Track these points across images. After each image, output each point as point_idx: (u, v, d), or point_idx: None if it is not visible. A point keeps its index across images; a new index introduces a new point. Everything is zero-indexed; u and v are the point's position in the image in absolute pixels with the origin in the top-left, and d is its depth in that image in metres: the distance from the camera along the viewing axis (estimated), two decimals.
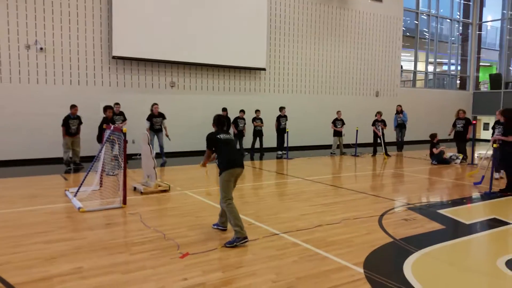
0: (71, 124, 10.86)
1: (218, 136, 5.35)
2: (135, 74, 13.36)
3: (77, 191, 7.36)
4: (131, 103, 12.82)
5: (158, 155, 12.08)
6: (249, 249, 4.87)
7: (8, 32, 11.45)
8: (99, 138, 10.27)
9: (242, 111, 14.11)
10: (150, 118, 12.03)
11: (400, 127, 16.32)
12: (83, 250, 4.80)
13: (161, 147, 12.19)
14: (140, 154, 12.69)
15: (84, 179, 7.48)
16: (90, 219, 6.17)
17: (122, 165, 6.87)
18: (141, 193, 7.67)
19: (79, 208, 6.60)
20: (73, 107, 10.94)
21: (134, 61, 13.24)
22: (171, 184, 8.56)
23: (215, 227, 5.67)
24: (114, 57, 12.73)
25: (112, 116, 10.98)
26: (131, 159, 12.04)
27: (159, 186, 7.95)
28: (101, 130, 9.47)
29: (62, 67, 12.22)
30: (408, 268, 4.39)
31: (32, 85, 11.84)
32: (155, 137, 12.07)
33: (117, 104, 11.89)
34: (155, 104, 12.08)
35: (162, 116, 12.15)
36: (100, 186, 7.84)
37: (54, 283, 3.91)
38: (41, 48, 11.81)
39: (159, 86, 13.80)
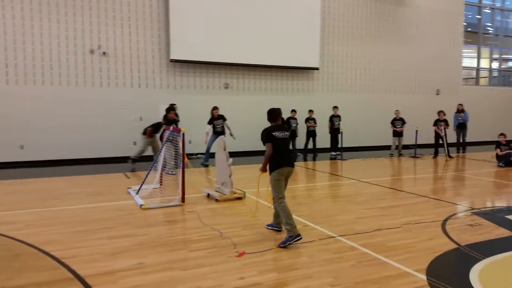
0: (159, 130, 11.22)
1: (274, 133, 5.29)
2: (191, 76, 13.74)
3: (139, 189, 7.66)
4: (187, 104, 13.18)
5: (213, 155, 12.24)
6: (304, 251, 4.83)
7: (74, 38, 12.18)
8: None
9: (294, 111, 14.04)
10: (211, 121, 12.09)
11: (461, 127, 15.53)
12: (144, 246, 4.98)
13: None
14: (197, 154, 13.06)
15: (145, 178, 7.77)
16: (151, 216, 6.40)
17: (181, 165, 7.07)
18: (216, 200, 7.41)
19: (141, 205, 6.87)
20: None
21: (191, 64, 13.62)
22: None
23: (270, 227, 5.67)
24: (171, 60, 13.16)
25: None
26: (188, 158, 12.34)
27: (234, 193, 7.62)
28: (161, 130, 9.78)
29: (123, 71, 12.81)
30: (475, 276, 4.15)
31: (96, 88, 12.51)
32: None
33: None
34: (216, 108, 11.98)
35: (222, 117, 12.18)
36: (160, 185, 8.11)
37: (117, 278, 4.08)
38: (104, 53, 12.44)
39: (213, 87, 14.09)
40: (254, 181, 9.03)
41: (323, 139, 14.63)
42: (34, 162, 11.81)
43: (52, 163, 11.92)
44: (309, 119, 14.35)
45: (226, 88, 14.26)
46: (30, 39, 11.71)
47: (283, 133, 5.37)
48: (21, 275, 4.14)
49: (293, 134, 13.87)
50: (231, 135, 12.16)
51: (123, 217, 6.33)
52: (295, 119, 14.06)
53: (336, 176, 10.64)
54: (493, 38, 20.82)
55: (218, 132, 11.98)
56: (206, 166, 11.81)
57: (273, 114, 5.50)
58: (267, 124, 5.49)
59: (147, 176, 7.81)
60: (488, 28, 20.72)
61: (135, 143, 12.87)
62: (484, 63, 20.96)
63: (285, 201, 5.25)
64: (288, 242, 4.94)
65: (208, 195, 7.74)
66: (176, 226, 6.00)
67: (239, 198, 7.57)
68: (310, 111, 14.42)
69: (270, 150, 5.28)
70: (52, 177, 9.98)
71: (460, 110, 15.48)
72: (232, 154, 13.70)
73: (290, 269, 4.34)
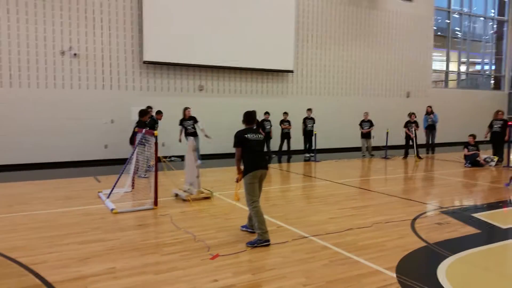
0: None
1: (246, 135, 5.28)
2: (164, 78, 13.61)
3: (110, 193, 7.53)
4: (161, 107, 13.01)
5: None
6: (278, 252, 4.86)
7: (44, 39, 11.87)
8: (132, 141, 10.40)
9: (267, 113, 14.11)
10: (181, 122, 12.09)
11: (430, 128, 15.93)
12: (115, 251, 4.91)
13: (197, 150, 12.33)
14: (170, 157, 12.94)
15: (117, 181, 7.64)
16: (123, 220, 6.31)
17: (153, 168, 7.00)
18: (184, 200, 7.51)
19: (112, 209, 6.76)
20: (159, 113, 11.69)
21: (164, 66, 13.48)
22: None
23: (244, 229, 5.68)
24: (144, 62, 13.01)
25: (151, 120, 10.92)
26: (160, 161, 12.21)
27: (201, 193, 7.74)
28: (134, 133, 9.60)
29: (95, 72, 12.57)
30: (442, 273, 4.28)
31: (66, 90, 12.22)
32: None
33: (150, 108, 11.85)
34: (187, 108, 12.11)
35: (193, 119, 12.15)
36: (132, 188, 8.00)
37: (88, 283, 4.01)
38: (75, 54, 12.19)
39: (188, 89, 14.00)
40: (227, 184, 9.06)
41: (297, 141, 14.76)
42: (0, 166, 11.44)
43: (20, 167, 11.57)
44: (284, 121, 14.45)
45: (200, 90, 14.19)
46: None
47: (256, 135, 5.37)
48: None
49: (267, 136, 13.95)
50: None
51: (93, 221, 6.21)
52: (269, 121, 14.13)
53: (310, 177, 10.74)
54: (461, 42, 21.49)
55: (190, 134, 11.93)
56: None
57: (250, 116, 5.49)
58: (242, 126, 5.51)
59: (118, 179, 7.69)
60: (457, 32, 21.38)
61: (106, 146, 12.70)
62: (453, 66, 21.61)
63: (259, 205, 5.25)
64: (256, 245, 5.01)
65: (176, 195, 7.83)
66: (148, 230, 5.93)
67: (207, 198, 7.66)
68: (285, 113, 14.52)
69: (238, 155, 5.31)
70: (20, 181, 9.68)
71: (429, 112, 15.89)
72: (206, 157, 13.72)
73: (263, 270, 4.36)
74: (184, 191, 7.84)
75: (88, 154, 12.45)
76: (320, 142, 14.51)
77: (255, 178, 5.25)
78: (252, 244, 5.01)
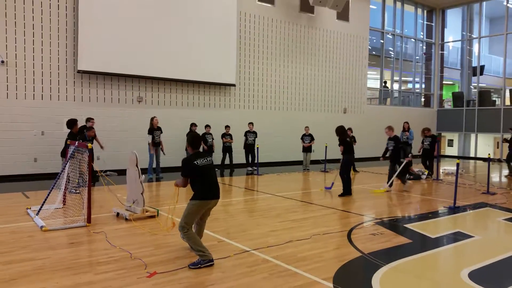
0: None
1: (196, 162, 4.93)
2: (101, 89, 13.06)
3: (40, 209, 7.06)
4: (96, 118, 12.49)
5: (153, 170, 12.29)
6: (219, 267, 4.78)
7: None
8: (63, 153, 9.82)
9: (208, 126, 14.04)
10: (151, 131, 12.04)
11: (405, 145, 15.75)
12: (45, 271, 4.59)
13: (158, 162, 12.27)
14: (106, 171, 12.41)
15: (47, 197, 7.19)
16: (53, 238, 5.93)
17: (87, 183, 6.67)
18: (126, 219, 6.99)
19: (41, 227, 6.34)
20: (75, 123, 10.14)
21: (100, 75, 12.95)
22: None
23: None
24: (79, 71, 12.45)
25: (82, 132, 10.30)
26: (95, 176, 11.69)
27: (146, 211, 7.20)
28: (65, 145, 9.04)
29: (25, 81, 11.83)
30: (377, 282, 4.43)
31: None
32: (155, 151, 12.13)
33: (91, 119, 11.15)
34: (155, 117, 12.24)
35: (160, 130, 12.24)
36: (64, 204, 7.56)
37: None
38: (2, 61, 11.42)
39: (125, 101, 13.53)
40: (169, 198, 8.82)
41: (240, 155, 14.79)
42: None
43: None
44: (225, 135, 14.44)
45: (139, 102, 13.81)
46: None
47: (205, 160, 5.06)
48: None
49: (210, 150, 13.85)
50: (162, 150, 12.13)
51: (21, 240, 5.78)
52: (211, 134, 14.05)
53: (252, 191, 10.77)
54: (394, 62, 22.79)
55: (156, 144, 12.07)
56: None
57: (194, 142, 5.16)
58: (181, 139, 5.40)
59: (48, 195, 7.23)
60: (390, 52, 22.66)
61: (36, 160, 11.97)
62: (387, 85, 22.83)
63: (191, 230, 4.98)
64: (200, 265, 4.76)
65: (118, 215, 7.32)
66: (81, 248, 5.60)
67: (152, 216, 7.22)
68: (227, 126, 14.52)
69: (184, 184, 5.06)
70: None
71: (405, 129, 15.35)
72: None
73: (204, 286, 4.28)
74: (126, 209, 7.30)
75: (16, 168, 11.64)
76: (262, 155, 14.64)
77: (203, 208, 5.03)
78: (195, 266, 4.75)
